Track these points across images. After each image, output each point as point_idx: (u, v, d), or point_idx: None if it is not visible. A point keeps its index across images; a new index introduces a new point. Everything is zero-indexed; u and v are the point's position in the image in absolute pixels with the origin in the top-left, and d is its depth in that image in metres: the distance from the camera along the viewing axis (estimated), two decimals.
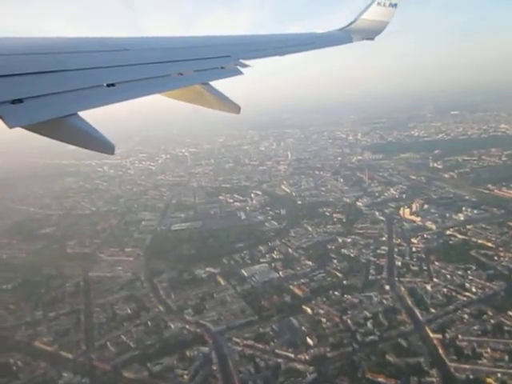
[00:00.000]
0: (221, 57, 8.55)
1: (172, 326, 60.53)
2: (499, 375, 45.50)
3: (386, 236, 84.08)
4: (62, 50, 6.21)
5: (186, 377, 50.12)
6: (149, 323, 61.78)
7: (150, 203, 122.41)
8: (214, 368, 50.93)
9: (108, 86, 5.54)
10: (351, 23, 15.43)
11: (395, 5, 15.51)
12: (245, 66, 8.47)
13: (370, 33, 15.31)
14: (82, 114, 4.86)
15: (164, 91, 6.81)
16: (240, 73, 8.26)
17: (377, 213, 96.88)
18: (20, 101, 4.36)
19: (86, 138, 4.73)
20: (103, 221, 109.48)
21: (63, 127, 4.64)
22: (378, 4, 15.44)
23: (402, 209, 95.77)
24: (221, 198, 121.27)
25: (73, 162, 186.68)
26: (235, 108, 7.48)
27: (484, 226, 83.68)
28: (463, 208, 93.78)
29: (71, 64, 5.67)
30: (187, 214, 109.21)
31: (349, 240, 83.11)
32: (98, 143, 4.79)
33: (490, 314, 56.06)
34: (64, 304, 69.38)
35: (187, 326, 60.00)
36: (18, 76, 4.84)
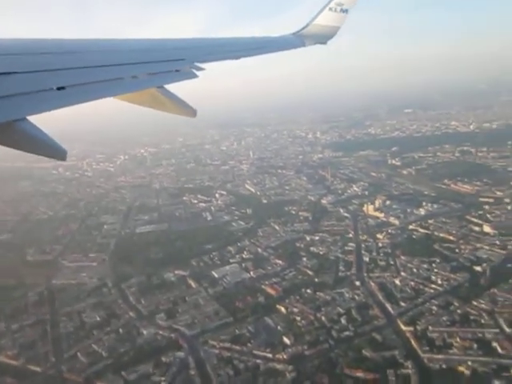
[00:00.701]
0: (176, 60, 8.50)
1: (145, 332, 59.05)
2: (470, 363, 47.36)
3: (353, 233, 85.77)
4: (9, 52, 5.97)
5: (163, 383, 49.04)
6: (120, 330, 59.98)
7: (112, 206, 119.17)
8: (192, 373, 50.13)
9: (58, 89, 5.32)
10: (304, 28, 15.88)
11: (346, 10, 16.00)
12: (200, 69, 8.43)
13: (323, 37, 15.86)
14: (32, 118, 4.65)
15: (117, 94, 6.66)
16: (195, 76, 8.20)
17: (341, 210, 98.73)
18: None
19: (36, 144, 4.54)
20: (63, 226, 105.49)
21: (11, 132, 4.40)
22: (330, 9, 15.88)
23: (365, 205, 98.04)
24: (185, 198, 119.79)
25: (25, 164, 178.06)
26: (191, 112, 7.49)
27: (444, 220, 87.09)
28: (423, 203, 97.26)
29: (19, 67, 5.44)
30: (151, 216, 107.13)
31: (317, 238, 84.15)
32: (48, 149, 4.62)
33: (457, 304, 58.31)
34: (28, 315, 66.07)
35: (160, 332, 58.72)
36: None
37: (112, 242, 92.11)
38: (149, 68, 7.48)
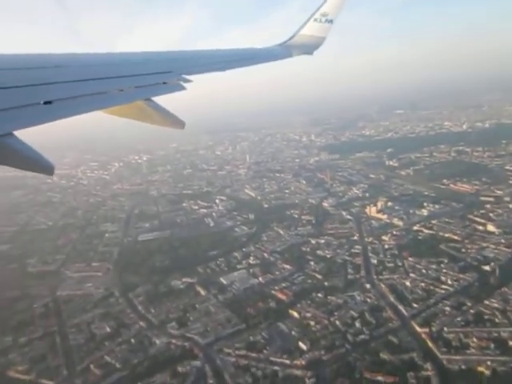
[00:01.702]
0: (162, 72, 8.51)
1: (157, 341, 58.29)
2: (489, 363, 47.43)
3: (357, 235, 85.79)
4: None
5: None
6: (132, 341, 59.15)
7: (110, 214, 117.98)
8: (211, 382, 49.54)
9: (45, 103, 5.29)
10: (290, 38, 16.07)
11: (331, 21, 16.18)
12: (187, 81, 8.43)
13: (309, 48, 16.01)
14: (18, 133, 4.58)
15: (104, 108, 6.62)
16: (183, 88, 8.20)
17: (344, 213, 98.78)
18: None
19: (23, 159, 4.48)
20: (63, 235, 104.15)
21: None
22: (315, 20, 16.04)
23: (367, 207, 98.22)
24: (184, 205, 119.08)
25: (17, 173, 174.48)
26: (180, 123, 7.48)
27: (447, 220, 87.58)
28: (425, 204, 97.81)
29: (5, 81, 5.46)
30: (152, 223, 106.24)
31: (322, 241, 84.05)
32: (36, 164, 4.58)
33: (469, 304, 58.49)
34: (35, 327, 64.89)
35: (173, 341, 57.99)
36: None
37: (115, 250, 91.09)
38: (136, 81, 7.50)
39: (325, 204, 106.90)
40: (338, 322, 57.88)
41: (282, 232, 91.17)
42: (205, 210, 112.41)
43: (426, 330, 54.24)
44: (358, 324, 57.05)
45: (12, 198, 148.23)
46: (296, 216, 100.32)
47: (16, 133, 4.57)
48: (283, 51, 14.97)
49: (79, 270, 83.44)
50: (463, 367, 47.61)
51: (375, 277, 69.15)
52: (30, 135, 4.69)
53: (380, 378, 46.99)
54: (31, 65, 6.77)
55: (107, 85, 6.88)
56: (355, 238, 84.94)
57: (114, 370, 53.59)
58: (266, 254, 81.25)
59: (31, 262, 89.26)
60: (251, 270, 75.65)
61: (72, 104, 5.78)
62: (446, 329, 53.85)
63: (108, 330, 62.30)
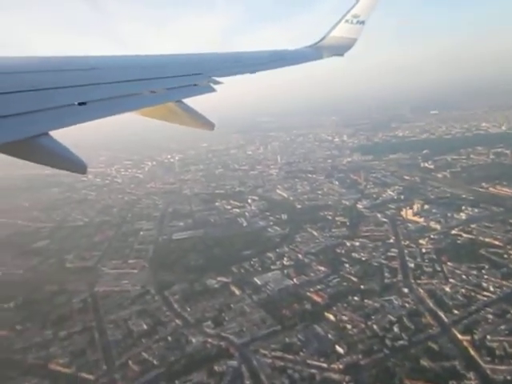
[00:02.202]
0: (193, 74, 8.67)
1: (193, 340, 58.72)
2: None
3: (393, 238, 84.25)
4: (32, 70, 6.21)
5: None
6: (168, 338, 59.82)
7: (145, 212, 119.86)
8: (247, 382, 49.52)
9: (80, 104, 5.51)
10: (321, 40, 16.10)
11: (363, 22, 16.08)
12: (217, 82, 8.56)
13: (339, 49, 16.00)
14: (53, 133, 4.78)
15: (136, 109, 6.78)
16: (213, 90, 8.35)
17: (379, 215, 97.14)
18: None
19: (58, 159, 4.67)
20: (99, 232, 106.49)
21: (34, 148, 4.53)
22: (346, 21, 16.01)
23: (403, 210, 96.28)
24: (217, 204, 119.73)
25: (54, 171, 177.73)
26: (209, 125, 7.60)
27: (487, 224, 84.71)
28: (463, 207, 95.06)
29: (42, 83, 5.64)
30: (186, 222, 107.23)
31: (357, 243, 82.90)
32: (69, 163, 4.75)
33: None
34: (74, 322, 66.57)
35: (209, 340, 58.29)
36: None
37: (150, 248, 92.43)
38: (167, 83, 7.67)
39: (359, 206, 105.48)
40: (375, 327, 56.89)
41: (315, 233, 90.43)
42: (237, 210, 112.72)
43: (468, 337, 52.69)
44: (396, 329, 55.93)
45: (49, 196, 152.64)
46: (330, 217, 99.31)
47: (51, 133, 4.75)
48: (313, 53, 15.05)
49: (116, 266, 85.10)
50: (508, 378, 45.97)
51: (413, 281, 67.66)
52: (65, 135, 4.87)
53: None
54: (66, 67, 7.00)
55: (139, 87, 7.08)
56: (391, 240, 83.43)
57: (152, 366, 54.25)
58: (300, 256, 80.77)
59: (69, 258, 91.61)
60: (285, 271, 75.33)
61: (105, 105, 6.00)
62: (489, 337, 52.14)
63: (145, 326, 63.21)
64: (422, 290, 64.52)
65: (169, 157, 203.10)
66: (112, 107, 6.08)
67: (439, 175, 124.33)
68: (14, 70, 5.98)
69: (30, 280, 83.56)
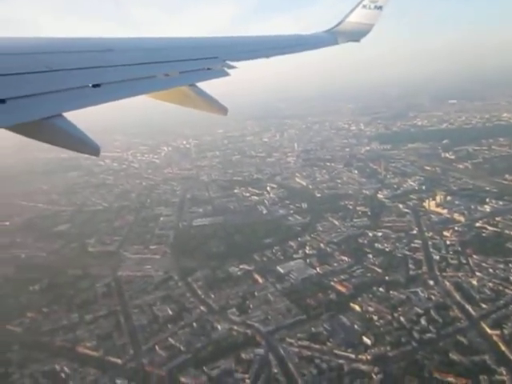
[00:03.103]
0: (207, 58, 8.59)
1: (219, 327, 59.00)
2: None
3: (416, 229, 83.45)
4: (46, 51, 6.19)
5: (247, 381, 48.79)
6: (194, 325, 60.17)
7: (164, 198, 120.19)
8: (275, 371, 49.66)
9: (94, 86, 5.49)
10: (337, 25, 15.74)
11: (380, 7, 15.73)
12: (231, 67, 8.51)
13: (356, 35, 15.63)
14: (68, 114, 4.78)
15: (150, 92, 6.81)
16: (226, 74, 8.30)
17: (400, 205, 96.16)
18: (2, 101, 4.26)
19: (71, 140, 4.69)
20: (119, 217, 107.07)
21: (47, 129, 4.55)
22: (364, 7, 15.70)
23: (426, 201, 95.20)
24: (236, 191, 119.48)
25: (71, 155, 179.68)
26: (222, 110, 7.56)
27: None
28: (487, 199, 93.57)
29: (56, 64, 5.61)
30: (205, 208, 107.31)
31: (379, 234, 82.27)
32: (83, 145, 4.76)
33: None
34: (99, 306, 67.25)
35: (235, 327, 58.50)
36: (0, 76, 4.77)
37: (171, 234, 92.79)
38: (181, 66, 7.63)
39: (380, 195, 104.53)
40: (402, 319, 56.60)
41: (337, 223, 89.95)
42: (256, 198, 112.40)
43: (498, 332, 52.12)
44: (423, 321, 55.55)
45: (68, 179, 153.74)
46: (350, 207, 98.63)
47: (65, 114, 4.78)
48: (330, 38, 14.73)
49: (137, 251, 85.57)
50: None
51: (438, 273, 67.08)
52: (79, 117, 4.90)
53: (451, 379, 45.67)
54: (80, 48, 6.97)
55: (153, 69, 7.00)
56: (414, 232, 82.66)
57: (179, 352, 54.61)
58: (322, 245, 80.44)
59: (90, 242, 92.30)
60: (308, 260, 75.13)
61: (119, 87, 5.99)
62: None
63: (170, 312, 63.60)
64: (448, 283, 63.95)
65: (184, 142, 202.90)
66: (126, 90, 6.08)
67: (460, 166, 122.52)
68: (29, 51, 5.94)
69: (53, 263, 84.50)
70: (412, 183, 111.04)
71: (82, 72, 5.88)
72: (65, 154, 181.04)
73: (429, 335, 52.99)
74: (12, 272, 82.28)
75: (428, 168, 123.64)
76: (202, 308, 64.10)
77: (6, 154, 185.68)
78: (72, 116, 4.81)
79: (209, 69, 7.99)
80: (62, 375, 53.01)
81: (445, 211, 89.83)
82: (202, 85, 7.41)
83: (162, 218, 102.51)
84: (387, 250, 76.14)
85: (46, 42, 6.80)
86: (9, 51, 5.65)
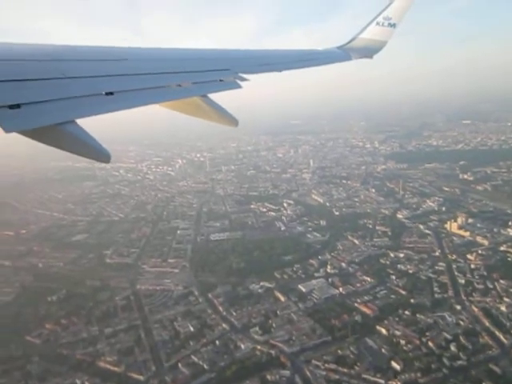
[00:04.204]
0: (220, 70, 8.62)
1: (242, 346, 57.95)
2: None
3: (439, 251, 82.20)
4: (61, 58, 6.28)
5: None
6: (216, 342, 59.16)
7: (180, 211, 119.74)
8: None
9: (107, 94, 5.56)
10: (350, 41, 15.78)
11: (394, 25, 15.74)
12: (243, 79, 8.50)
13: (369, 51, 15.66)
14: (80, 121, 4.87)
15: (162, 102, 6.85)
16: (239, 86, 8.28)
17: (421, 226, 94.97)
18: (18, 106, 4.37)
19: (82, 146, 4.75)
20: (135, 229, 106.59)
21: (60, 134, 4.64)
22: (377, 24, 15.70)
23: (447, 222, 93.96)
24: (252, 206, 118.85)
25: (86, 164, 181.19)
26: (233, 121, 7.59)
27: None
28: (510, 223, 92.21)
29: (70, 72, 5.68)
30: (222, 223, 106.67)
31: (401, 255, 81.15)
32: (93, 151, 4.81)
33: None
34: (119, 319, 66.53)
35: (258, 347, 57.47)
36: (16, 81, 4.87)
37: (188, 248, 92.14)
38: (194, 77, 7.65)
39: (399, 215, 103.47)
40: (431, 344, 55.31)
41: (357, 242, 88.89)
42: (273, 214, 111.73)
43: None
44: (453, 348, 54.27)
45: (82, 189, 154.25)
46: (370, 226, 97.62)
47: (78, 121, 4.82)
48: (342, 54, 14.77)
49: (156, 265, 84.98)
50: None
51: (465, 298, 65.77)
52: (92, 127, 4.94)
53: None
54: (95, 57, 7.07)
55: (166, 79, 7.08)
56: (437, 253, 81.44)
57: (203, 371, 53.70)
58: (343, 264, 79.39)
59: (108, 254, 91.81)
60: (330, 280, 74.07)
61: (132, 96, 6.02)
62: None
63: (191, 328, 62.72)
64: (475, 308, 62.56)
65: (198, 155, 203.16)
66: (138, 98, 6.11)
67: (479, 188, 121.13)
68: (46, 58, 6.00)
69: (70, 273, 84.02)
70: (431, 204, 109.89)
71: (96, 80, 5.94)
72: (79, 163, 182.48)
73: (460, 362, 51.70)
74: (30, 281, 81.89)
75: (446, 189, 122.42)
76: (223, 325, 63.12)
77: (22, 160, 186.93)
78: (85, 125, 4.90)
79: (221, 80, 8.03)
80: None
81: (467, 234, 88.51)
82: (213, 96, 7.48)
83: (179, 231, 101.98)
84: (410, 271, 74.92)
85: (62, 49, 6.94)
86: (26, 57, 5.76)
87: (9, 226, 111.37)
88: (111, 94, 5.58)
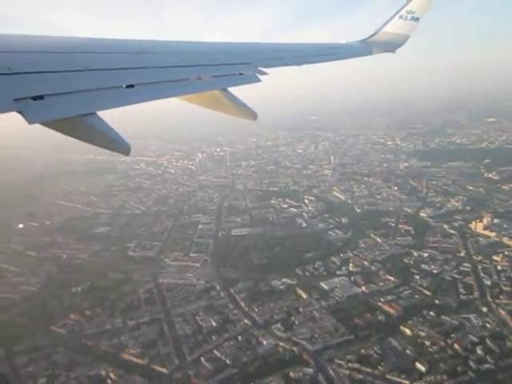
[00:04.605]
0: (239, 63, 8.56)
1: (264, 342, 57.95)
2: None
3: (464, 251, 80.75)
4: (83, 50, 6.30)
5: None
6: (239, 338, 59.31)
7: (201, 205, 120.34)
8: None
9: (127, 87, 5.58)
10: (372, 35, 15.48)
11: (417, 19, 15.49)
12: (263, 73, 8.44)
13: (391, 45, 15.41)
14: (103, 115, 4.90)
15: (182, 95, 6.84)
16: (258, 80, 8.21)
17: (445, 225, 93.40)
18: (41, 97, 4.40)
19: (103, 138, 4.75)
20: (157, 222, 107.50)
21: (81, 126, 4.67)
22: (400, 17, 15.47)
23: (472, 222, 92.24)
24: (273, 202, 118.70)
25: (107, 157, 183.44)
26: (252, 115, 7.54)
27: None
28: None
29: (92, 64, 5.71)
30: (243, 218, 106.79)
31: (425, 254, 79.97)
32: (114, 143, 4.81)
33: None
34: (142, 312, 67.30)
35: (281, 343, 57.38)
36: (40, 73, 4.91)
37: (210, 242, 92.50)
38: (213, 70, 7.61)
39: (422, 214, 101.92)
40: (456, 346, 54.46)
41: (379, 240, 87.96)
42: (294, 210, 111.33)
43: None
44: (479, 351, 53.29)
45: (105, 182, 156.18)
46: (392, 224, 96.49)
47: (99, 113, 4.86)
48: (364, 48, 14.47)
49: (177, 258, 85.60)
50: None
51: (491, 300, 64.48)
52: (114, 123, 4.91)
53: None
54: (117, 49, 7.07)
55: (186, 72, 7.06)
56: (462, 254, 80.00)
57: (225, 366, 53.88)
58: (366, 262, 78.67)
59: (130, 246, 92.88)
60: (352, 278, 73.49)
61: (153, 89, 6.05)
62: None
63: (214, 323, 62.98)
64: (502, 311, 61.29)
65: (218, 150, 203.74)
66: (158, 91, 6.14)
67: (505, 187, 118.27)
68: (68, 50, 6.04)
69: (94, 265, 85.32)
70: (455, 203, 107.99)
71: (116, 72, 5.98)
72: (101, 155, 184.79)
73: (486, 366, 50.74)
74: (55, 272, 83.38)
75: (471, 188, 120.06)
76: (245, 321, 63.24)
77: (46, 154, 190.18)
78: (107, 119, 4.95)
79: (241, 74, 8.00)
80: (109, 382, 52.81)
81: (493, 234, 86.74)
82: (232, 90, 7.49)
83: (200, 226, 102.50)
84: (435, 271, 73.82)
85: (83, 42, 6.98)
86: (49, 50, 5.79)
87: (34, 217, 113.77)
88: (132, 86, 5.64)
